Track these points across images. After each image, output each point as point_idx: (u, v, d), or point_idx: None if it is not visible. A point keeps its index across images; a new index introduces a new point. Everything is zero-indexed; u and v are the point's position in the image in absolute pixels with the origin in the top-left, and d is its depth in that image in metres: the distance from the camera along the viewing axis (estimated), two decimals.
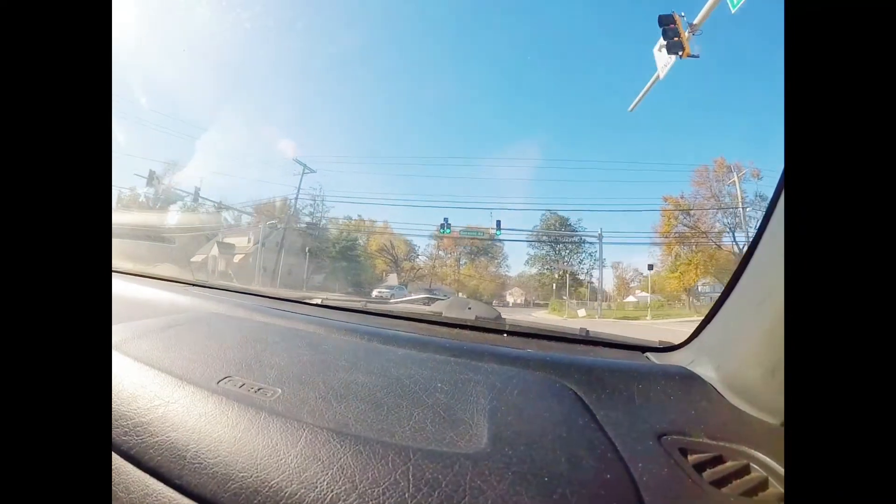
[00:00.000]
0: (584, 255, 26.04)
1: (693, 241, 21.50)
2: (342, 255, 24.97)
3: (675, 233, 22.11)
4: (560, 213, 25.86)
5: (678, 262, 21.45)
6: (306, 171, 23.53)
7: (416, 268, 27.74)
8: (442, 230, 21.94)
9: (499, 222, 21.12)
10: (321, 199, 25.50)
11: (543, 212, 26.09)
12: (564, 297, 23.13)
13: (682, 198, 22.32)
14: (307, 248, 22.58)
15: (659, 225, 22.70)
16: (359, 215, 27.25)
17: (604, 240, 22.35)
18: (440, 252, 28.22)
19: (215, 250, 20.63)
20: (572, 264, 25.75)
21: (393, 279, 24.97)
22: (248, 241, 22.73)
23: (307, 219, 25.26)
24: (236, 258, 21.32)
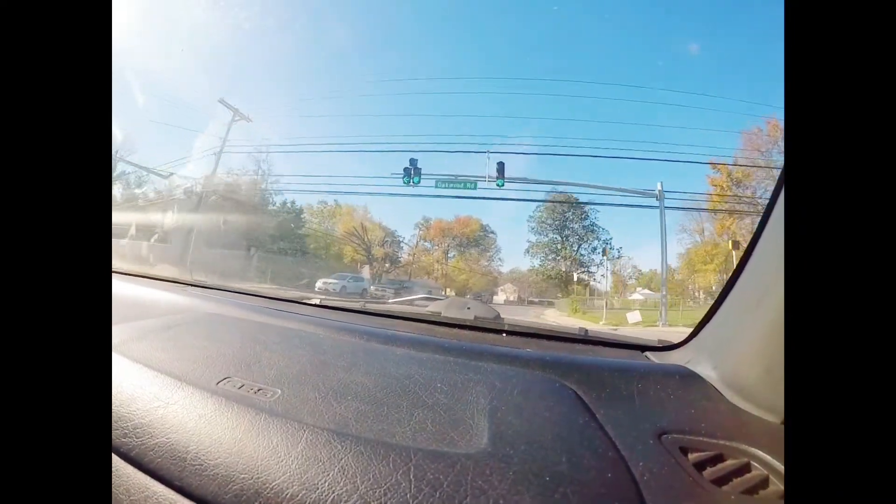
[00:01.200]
0: (596, 242, 22.62)
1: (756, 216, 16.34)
2: (285, 236, 19.19)
3: (727, 206, 17.27)
4: (568, 191, 21.81)
5: (717, 250, 17.41)
6: (237, 117, 15.84)
7: (391, 255, 22.92)
8: (406, 179, 12.29)
9: (501, 165, 12.20)
10: (266, 160, 18.87)
11: (549, 191, 22.05)
12: (575, 295, 19.94)
13: (735, 164, 17.41)
14: (224, 221, 16.50)
15: (707, 197, 18.01)
16: (335, 200, 21.68)
17: (665, 201, 12.75)
18: (425, 242, 24.25)
19: (133, 230, 15.27)
20: (582, 254, 22.48)
21: (366, 271, 20.27)
22: (173, 216, 15.92)
23: (243, 184, 18.62)
24: (153, 238, 15.75)
